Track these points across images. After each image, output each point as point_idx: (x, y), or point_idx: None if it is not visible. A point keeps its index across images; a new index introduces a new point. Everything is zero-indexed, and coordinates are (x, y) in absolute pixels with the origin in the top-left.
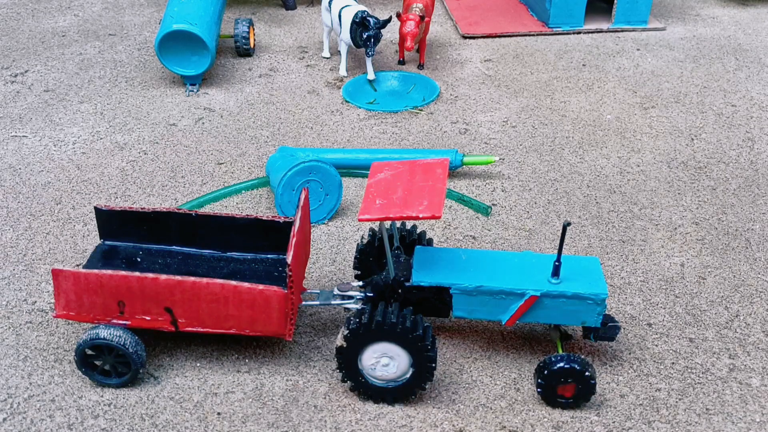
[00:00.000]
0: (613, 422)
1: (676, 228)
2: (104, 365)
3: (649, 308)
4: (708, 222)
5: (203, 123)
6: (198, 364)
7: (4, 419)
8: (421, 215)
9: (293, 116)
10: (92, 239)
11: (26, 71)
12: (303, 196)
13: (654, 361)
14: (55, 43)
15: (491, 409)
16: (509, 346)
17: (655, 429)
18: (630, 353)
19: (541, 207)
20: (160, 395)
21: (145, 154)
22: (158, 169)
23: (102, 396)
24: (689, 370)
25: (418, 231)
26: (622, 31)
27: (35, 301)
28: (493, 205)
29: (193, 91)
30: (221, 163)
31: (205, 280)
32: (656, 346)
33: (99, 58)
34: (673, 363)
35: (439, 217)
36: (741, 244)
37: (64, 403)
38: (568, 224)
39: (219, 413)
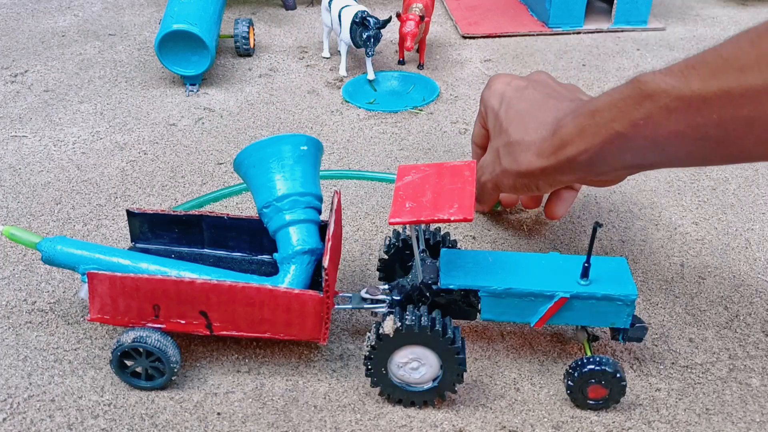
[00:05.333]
0: (613, 422)
1: (676, 228)
2: (136, 367)
3: (649, 308)
4: (708, 222)
5: (203, 123)
6: (198, 364)
7: (4, 419)
8: (452, 218)
9: (293, 116)
10: (92, 239)
11: (26, 71)
12: (336, 199)
13: (654, 361)
14: (55, 43)
15: (491, 409)
16: (509, 346)
17: (655, 429)
18: (630, 353)
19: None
20: (160, 395)
21: (145, 154)
22: (158, 169)
23: (102, 396)
24: (689, 370)
25: (442, 233)
26: (622, 31)
27: (35, 301)
28: None
29: (193, 91)
30: (221, 163)
31: (240, 283)
32: (656, 346)
33: (99, 58)
34: (673, 363)
35: (470, 220)
36: (741, 244)
37: (64, 403)
38: (599, 225)
39: (219, 413)
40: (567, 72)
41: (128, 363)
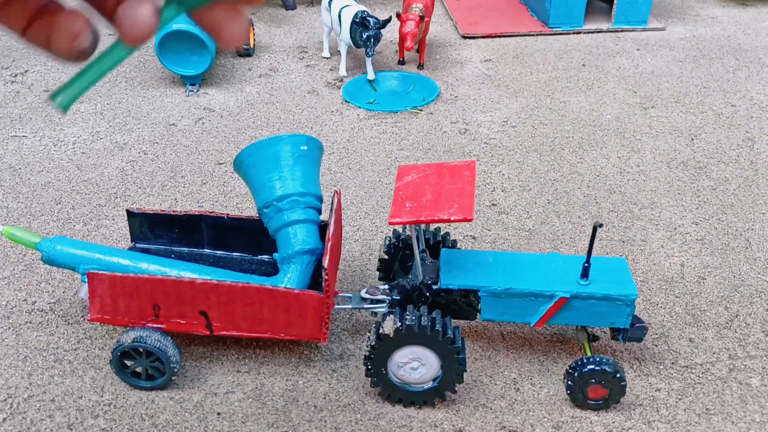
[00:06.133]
0: (613, 422)
1: (676, 228)
2: (136, 367)
3: (649, 308)
4: (708, 222)
5: (203, 123)
6: (198, 364)
7: (4, 419)
8: (452, 218)
9: (293, 116)
10: (92, 239)
11: (26, 71)
12: (336, 199)
13: (654, 361)
14: None
15: (491, 409)
16: (509, 346)
17: (655, 429)
18: (630, 353)
19: (541, 207)
20: (160, 395)
21: (145, 154)
22: (158, 169)
23: (102, 396)
24: (689, 370)
25: (442, 233)
26: (622, 31)
27: (35, 301)
28: (493, 205)
29: (193, 91)
30: (221, 163)
31: (240, 283)
32: (656, 346)
33: None
34: (673, 363)
35: (470, 220)
36: (741, 244)
37: (64, 403)
38: (600, 225)
39: (219, 413)
40: (567, 72)
41: (128, 363)
